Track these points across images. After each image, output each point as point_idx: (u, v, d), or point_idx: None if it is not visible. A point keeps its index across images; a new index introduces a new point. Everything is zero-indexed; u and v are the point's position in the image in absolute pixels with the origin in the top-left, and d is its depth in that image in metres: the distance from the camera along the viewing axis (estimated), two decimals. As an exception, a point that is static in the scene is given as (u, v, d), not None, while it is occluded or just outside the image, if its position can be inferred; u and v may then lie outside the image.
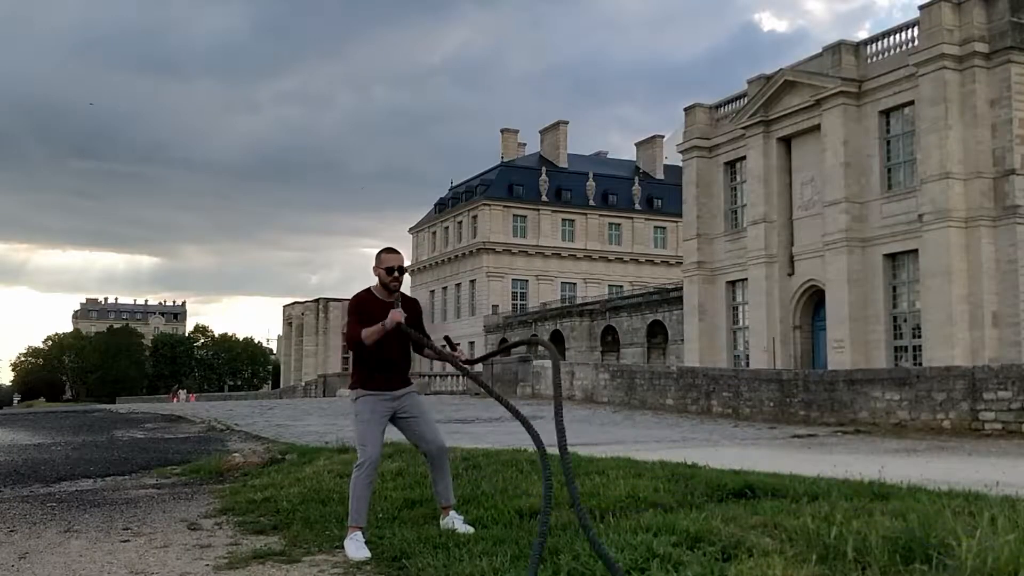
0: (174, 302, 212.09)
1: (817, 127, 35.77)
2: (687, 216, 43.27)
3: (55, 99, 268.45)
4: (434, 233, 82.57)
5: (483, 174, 79.49)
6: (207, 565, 5.37)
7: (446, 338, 6.10)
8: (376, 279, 6.01)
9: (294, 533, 6.18)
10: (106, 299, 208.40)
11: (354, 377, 6.03)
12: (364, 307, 5.87)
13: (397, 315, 5.68)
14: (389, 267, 5.89)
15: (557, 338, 59.82)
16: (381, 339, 5.77)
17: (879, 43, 34.44)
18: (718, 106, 42.53)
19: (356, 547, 5.38)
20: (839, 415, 18.95)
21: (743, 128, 38.94)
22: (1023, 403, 15.68)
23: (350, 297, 6.07)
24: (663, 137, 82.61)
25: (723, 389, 23.00)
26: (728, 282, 40.79)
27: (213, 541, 6.15)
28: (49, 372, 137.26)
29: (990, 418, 16.13)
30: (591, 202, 75.94)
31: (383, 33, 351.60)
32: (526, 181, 74.86)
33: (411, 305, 6.10)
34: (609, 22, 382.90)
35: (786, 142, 37.89)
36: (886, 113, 33.94)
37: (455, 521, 5.82)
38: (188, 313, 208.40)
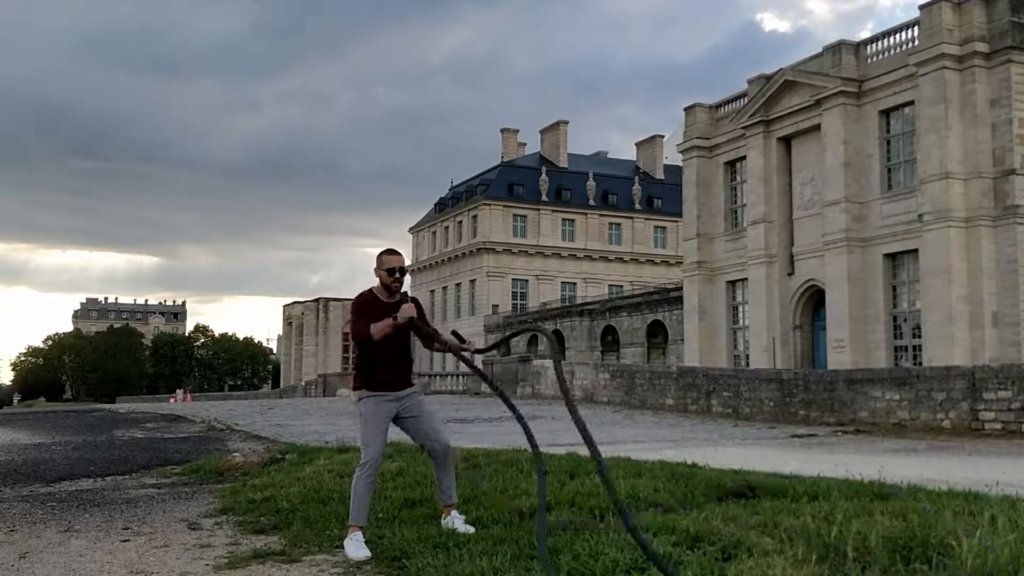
0: (174, 302, 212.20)
1: (817, 127, 35.77)
2: (687, 216, 43.27)
3: (55, 99, 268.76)
4: (434, 233, 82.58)
5: (483, 174, 79.48)
6: (207, 565, 5.37)
7: (454, 332, 6.07)
8: (377, 281, 6.01)
9: (294, 533, 6.18)
10: (106, 299, 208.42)
11: (357, 378, 6.03)
12: (368, 307, 5.87)
13: (409, 309, 5.70)
14: (390, 268, 5.89)
15: (557, 338, 59.86)
16: (383, 339, 5.77)
17: (879, 43, 34.43)
18: (718, 106, 42.53)
19: (356, 547, 5.38)
20: (839, 415, 18.96)
21: (743, 128, 38.94)
22: (1023, 403, 15.69)
23: (351, 297, 6.10)
24: (663, 137, 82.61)
25: (723, 389, 23.01)
26: (728, 282, 40.80)
27: (213, 541, 6.15)
28: (49, 372, 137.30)
29: (990, 418, 16.14)
30: (591, 202, 75.94)
31: (383, 33, 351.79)
32: (526, 181, 74.85)
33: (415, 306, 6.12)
34: (609, 22, 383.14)
35: (786, 142, 37.90)
36: (886, 113, 33.93)
37: (456, 520, 5.83)
38: (188, 313, 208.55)
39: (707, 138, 41.97)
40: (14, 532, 6.73)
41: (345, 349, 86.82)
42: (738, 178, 41.00)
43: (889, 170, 33.94)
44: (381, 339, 5.76)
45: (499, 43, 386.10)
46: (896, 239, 32.81)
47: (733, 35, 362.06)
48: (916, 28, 32.27)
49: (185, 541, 6.16)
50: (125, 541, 6.24)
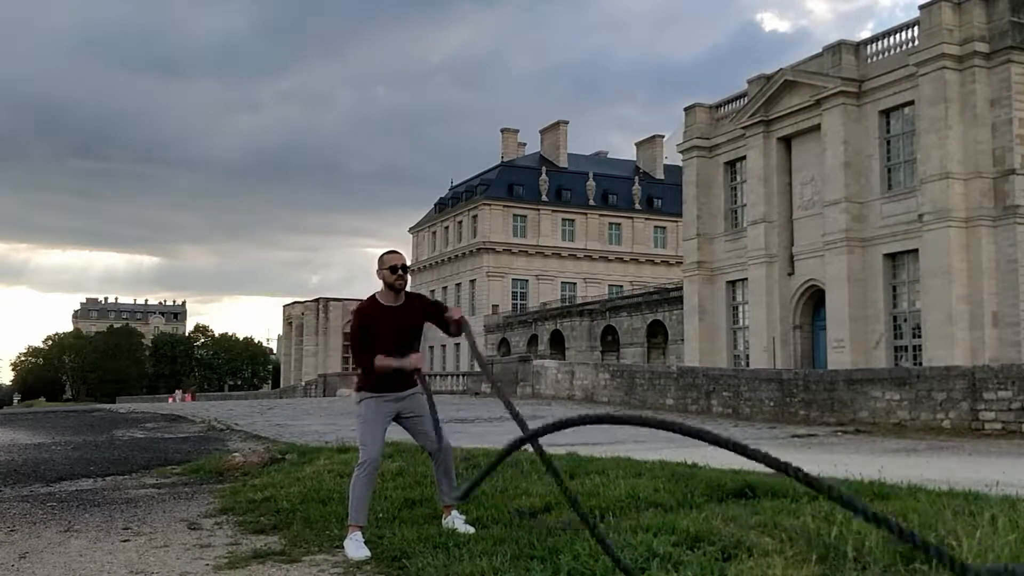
0: (174, 302, 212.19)
1: (817, 127, 35.74)
2: (687, 216, 43.25)
3: (55, 99, 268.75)
4: (434, 233, 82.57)
5: (483, 174, 79.45)
6: (207, 565, 5.37)
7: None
8: (380, 284, 6.00)
9: (294, 533, 6.18)
10: (106, 299, 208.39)
11: (360, 379, 6.04)
12: (371, 322, 5.84)
13: (418, 360, 5.81)
14: (393, 266, 5.88)
15: (557, 338, 59.80)
16: (387, 342, 5.79)
17: (879, 43, 34.41)
18: (718, 106, 42.50)
19: (356, 547, 5.38)
20: (839, 415, 18.95)
21: (743, 128, 38.91)
22: (1023, 403, 15.70)
23: (351, 297, 6.10)
24: (663, 137, 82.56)
25: (723, 389, 23.00)
26: (728, 282, 40.78)
27: (213, 541, 6.14)
28: (49, 372, 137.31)
29: (990, 418, 16.14)
30: (591, 202, 75.90)
31: (383, 33, 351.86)
32: (526, 181, 74.83)
33: (419, 301, 6.11)
34: (610, 22, 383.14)
35: (786, 142, 37.86)
36: (886, 113, 33.90)
37: (456, 520, 5.83)
38: (188, 313, 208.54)
39: (707, 138, 41.94)
40: (14, 532, 6.73)
41: (345, 349, 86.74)
42: (738, 178, 40.98)
43: (889, 170, 33.91)
44: (384, 339, 5.78)
45: (499, 43, 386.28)
46: (896, 239, 32.79)
47: (733, 35, 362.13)
48: (916, 28, 32.25)
49: (185, 541, 6.16)
50: (125, 541, 6.24)
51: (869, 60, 34.45)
